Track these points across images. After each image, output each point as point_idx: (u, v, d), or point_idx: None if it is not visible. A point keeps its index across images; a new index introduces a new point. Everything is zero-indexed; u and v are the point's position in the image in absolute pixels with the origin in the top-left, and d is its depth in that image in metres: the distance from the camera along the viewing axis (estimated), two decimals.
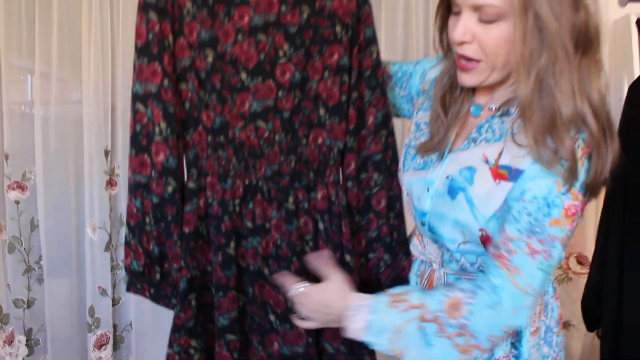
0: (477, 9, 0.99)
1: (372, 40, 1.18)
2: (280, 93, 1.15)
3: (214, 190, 1.15)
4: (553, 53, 0.95)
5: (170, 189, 1.13)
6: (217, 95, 1.13)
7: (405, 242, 1.28)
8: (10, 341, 2.45)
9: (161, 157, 1.12)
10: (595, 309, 1.75)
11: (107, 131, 2.40)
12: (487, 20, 0.99)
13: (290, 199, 1.18)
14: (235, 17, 1.11)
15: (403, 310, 1.03)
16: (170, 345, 1.18)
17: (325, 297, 1.10)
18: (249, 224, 1.17)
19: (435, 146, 1.15)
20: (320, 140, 1.19)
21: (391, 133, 1.24)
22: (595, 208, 2.08)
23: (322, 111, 1.18)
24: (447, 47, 1.16)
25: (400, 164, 1.25)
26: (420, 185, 1.16)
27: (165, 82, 1.09)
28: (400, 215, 1.27)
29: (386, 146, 1.23)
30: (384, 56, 1.24)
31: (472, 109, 1.14)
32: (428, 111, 1.22)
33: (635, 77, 1.84)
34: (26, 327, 2.47)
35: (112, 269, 2.44)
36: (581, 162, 0.98)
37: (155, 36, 1.08)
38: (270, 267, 1.18)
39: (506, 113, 1.08)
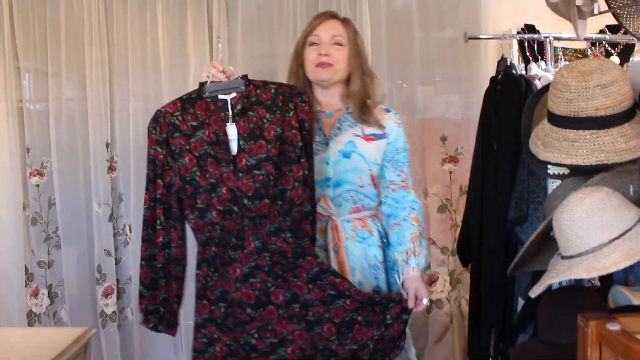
0: (333, 38, 1.83)
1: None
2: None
3: None
4: (365, 64, 1.87)
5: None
6: None
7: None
8: (35, 294, 3.01)
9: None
10: (466, 251, 2.41)
11: (107, 127, 2.94)
12: (338, 44, 1.83)
13: None
14: None
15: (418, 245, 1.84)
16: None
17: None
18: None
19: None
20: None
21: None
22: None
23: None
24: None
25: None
26: (318, 165, 1.78)
27: None
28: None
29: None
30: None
31: (327, 113, 1.88)
32: None
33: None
34: (47, 283, 3.02)
35: (114, 235, 2.99)
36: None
37: None
38: None
39: (347, 111, 1.87)
